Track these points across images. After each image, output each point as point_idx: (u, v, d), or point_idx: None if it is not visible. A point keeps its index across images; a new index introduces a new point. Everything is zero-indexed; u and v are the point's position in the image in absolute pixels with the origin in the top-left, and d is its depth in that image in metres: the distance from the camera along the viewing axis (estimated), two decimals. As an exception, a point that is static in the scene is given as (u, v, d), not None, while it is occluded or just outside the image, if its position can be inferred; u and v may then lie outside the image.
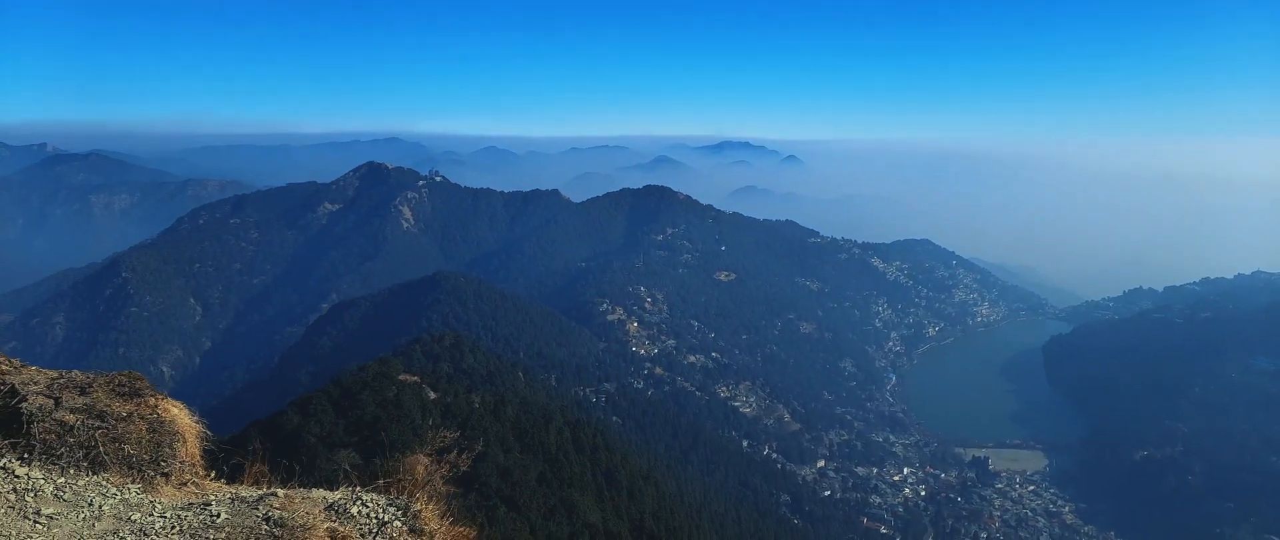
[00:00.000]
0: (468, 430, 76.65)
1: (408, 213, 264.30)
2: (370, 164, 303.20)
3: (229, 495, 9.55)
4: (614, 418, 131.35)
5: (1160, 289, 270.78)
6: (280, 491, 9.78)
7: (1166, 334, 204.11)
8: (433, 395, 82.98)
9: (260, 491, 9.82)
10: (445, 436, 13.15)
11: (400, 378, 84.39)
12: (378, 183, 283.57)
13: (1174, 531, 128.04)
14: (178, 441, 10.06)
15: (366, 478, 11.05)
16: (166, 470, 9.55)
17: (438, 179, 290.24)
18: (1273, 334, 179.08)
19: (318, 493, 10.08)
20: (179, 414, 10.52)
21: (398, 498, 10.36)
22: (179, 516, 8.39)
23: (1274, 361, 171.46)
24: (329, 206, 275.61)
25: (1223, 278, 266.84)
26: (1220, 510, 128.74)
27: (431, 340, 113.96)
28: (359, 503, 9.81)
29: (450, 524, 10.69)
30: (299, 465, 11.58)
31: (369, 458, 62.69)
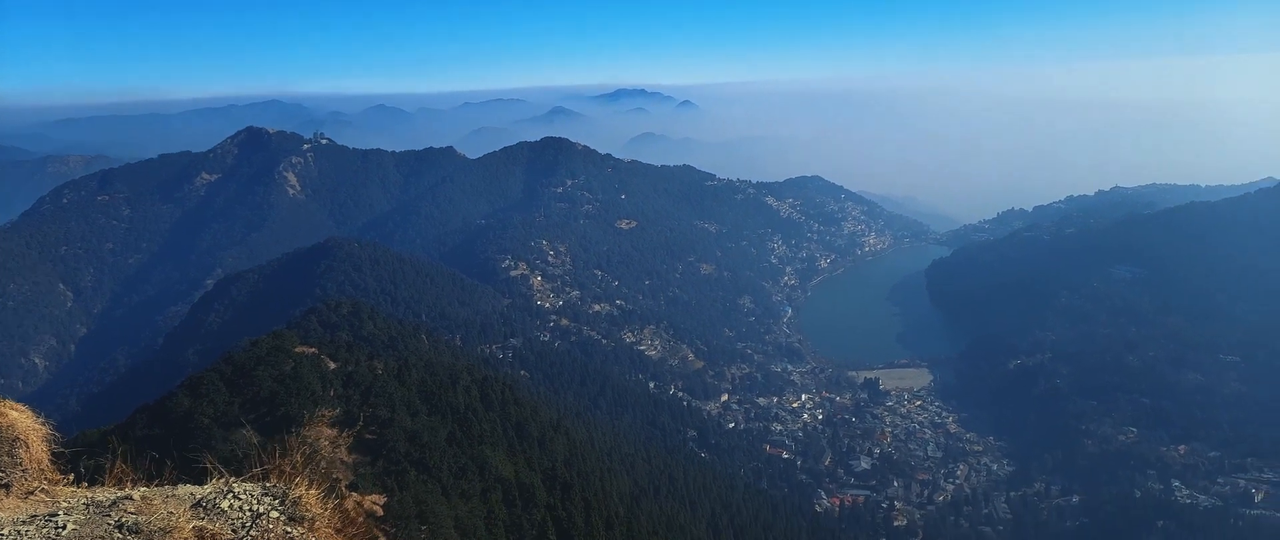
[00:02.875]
0: (372, 397, 75.61)
1: (293, 179, 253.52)
2: (249, 129, 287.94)
3: (83, 501, 8.84)
4: (522, 372, 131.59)
5: (1030, 208, 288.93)
6: (137, 493, 9.01)
7: (1035, 251, 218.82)
8: (332, 365, 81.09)
9: (116, 494, 9.09)
10: (341, 411, 13.06)
11: (296, 350, 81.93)
12: (258, 149, 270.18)
13: (1044, 430, 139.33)
14: (19, 447, 9.69)
15: (267, 455, 10.22)
16: (6, 481, 9.29)
17: (323, 141, 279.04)
18: (1128, 244, 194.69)
19: (184, 489, 9.46)
20: (18, 417, 10.04)
21: (275, 485, 9.65)
22: (19, 531, 8.07)
23: (1130, 269, 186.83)
24: (207, 177, 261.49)
25: (1085, 195, 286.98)
26: (1084, 408, 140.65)
27: (327, 309, 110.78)
28: (230, 496, 9.13)
29: (335, 504, 9.98)
30: (191, 449, 11.23)
31: (269, 435, 61.19)
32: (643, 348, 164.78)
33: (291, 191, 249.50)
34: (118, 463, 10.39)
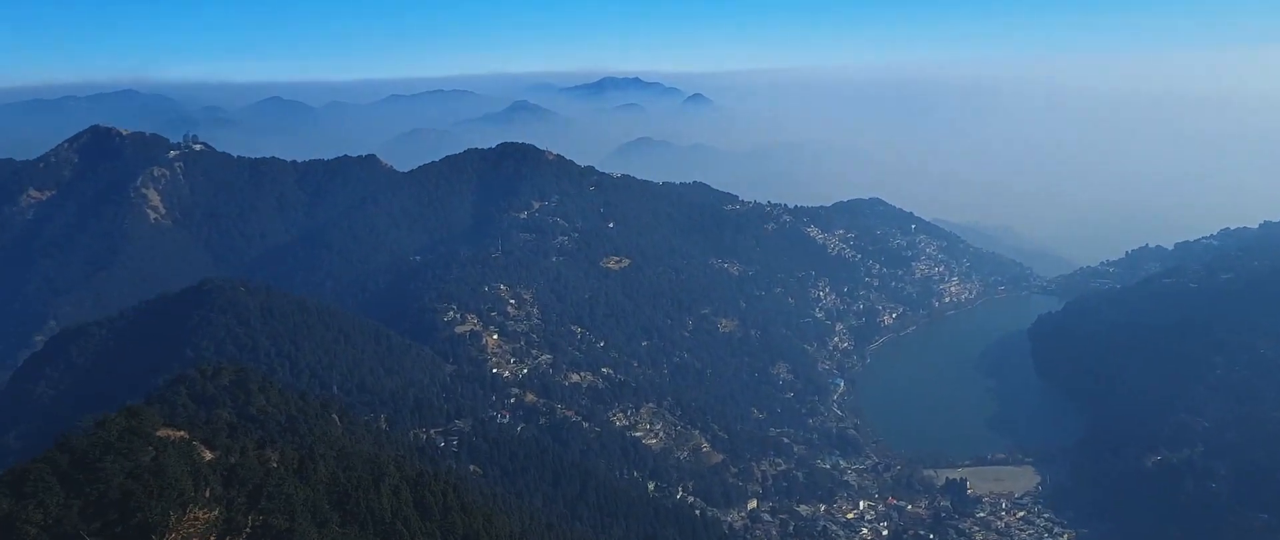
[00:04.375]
0: (264, 501, 75.25)
1: (155, 198, 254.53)
2: (94, 129, 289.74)
3: None
4: (472, 466, 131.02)
5: (1170, 246, 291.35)
6: None
7: (1179, 304, 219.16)
8: (209, 455, 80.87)
9: None
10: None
11: (159, 434, 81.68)
12: (107, 156, 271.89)
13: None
14: None
15: None
16: None
17: (197, 146, 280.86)
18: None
19: None
20: None
21: None
22: None
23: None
24: (36, 195, 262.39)
25: (1246, 228, 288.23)
26: (1252, 522, 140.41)
27: (202, 378, 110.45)
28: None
29: None
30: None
31: (120, 551, 60.71)
32: (639, 434, 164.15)
33: (153, 215, 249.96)
34: None
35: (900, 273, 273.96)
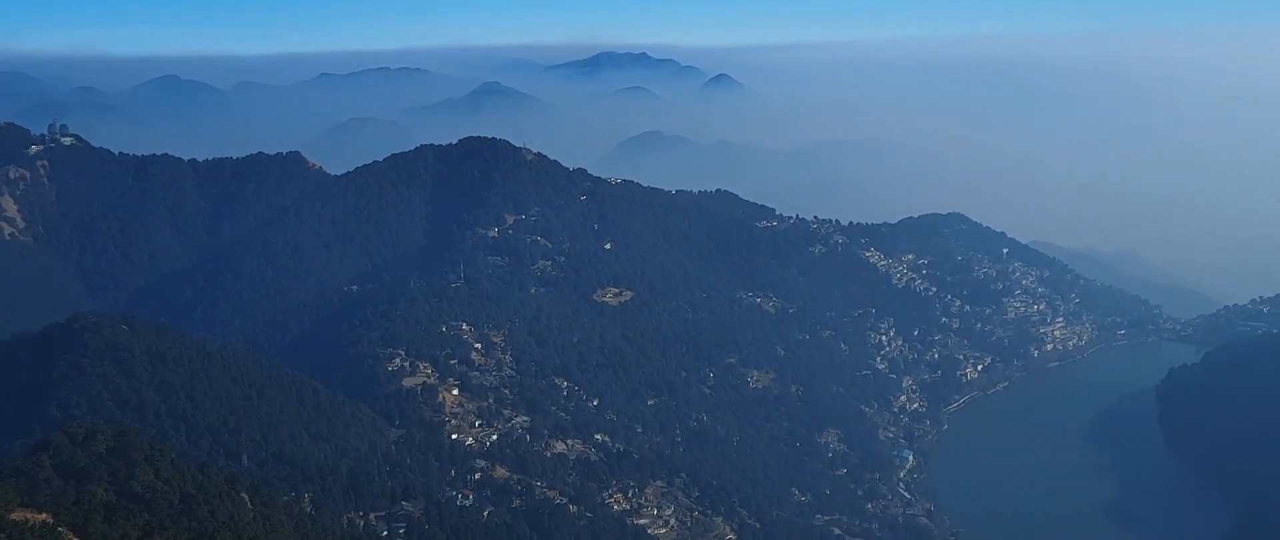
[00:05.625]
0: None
1: (10, 206, 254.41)
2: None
3: None
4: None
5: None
6: None
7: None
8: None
9: None
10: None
11: (14, 517, 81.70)
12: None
13: None
14: None
15: None
16: None
17: (66, 140, 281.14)
18: None
19: None
20: None
21: None
22: None
23: None
24: None
25: None
26: None
27: (71, 443, 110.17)
28: None
29: None
30: None
31: None
32: (643, 522, 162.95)
33: (8, 229, 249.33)
34: None
35: (988, 311, 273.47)
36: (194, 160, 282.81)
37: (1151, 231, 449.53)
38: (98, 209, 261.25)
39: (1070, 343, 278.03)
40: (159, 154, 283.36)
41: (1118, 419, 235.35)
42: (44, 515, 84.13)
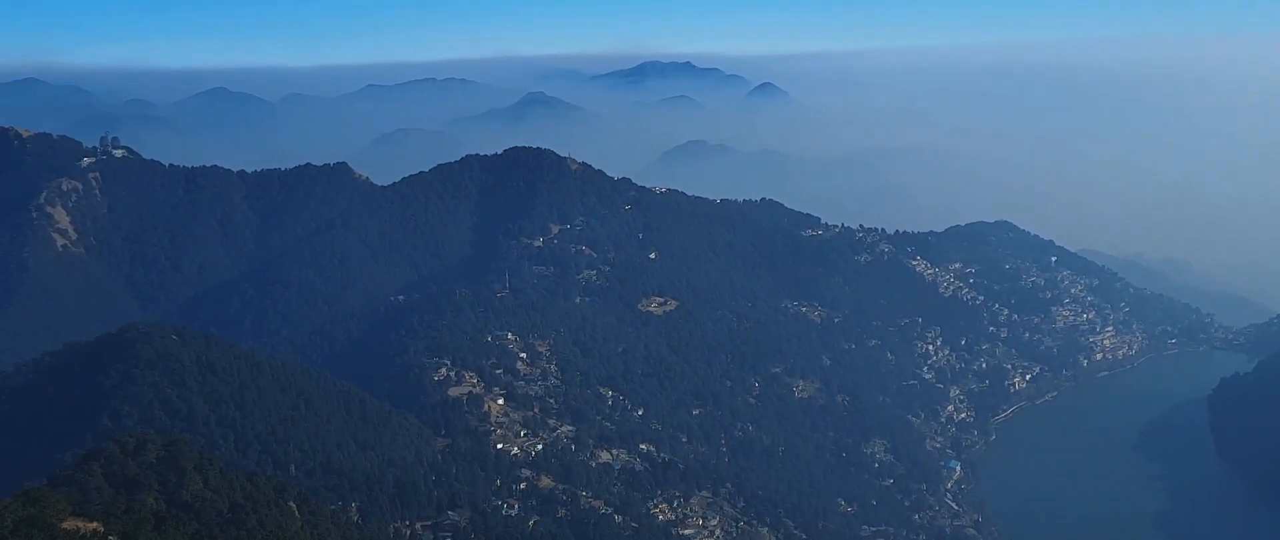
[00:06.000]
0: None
1: (63, 218, 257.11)
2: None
3: None
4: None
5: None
6: None
7: None
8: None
9: None
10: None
11: (66, 525, 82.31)
12: (1, 165, 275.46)
13: None
14: None
15: None
16: None
17: (118, 152, 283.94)
18: None
19: None
20: None
21: None
22: None
23: None
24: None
25: None
26: None
27: (122, 453, 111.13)
28: None
29: None
30: None
31: None
32: (688, 532, 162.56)
33: (61, 240, 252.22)
34: None
35: (1036, 320, 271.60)
36: (242, 171, 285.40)
37: (1203, 238, 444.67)
38: (148, 220, 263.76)
39: (1120, 352, 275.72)
40: (208, 165, 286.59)
41: (1168, 429, 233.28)
42: (95, 524, 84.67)
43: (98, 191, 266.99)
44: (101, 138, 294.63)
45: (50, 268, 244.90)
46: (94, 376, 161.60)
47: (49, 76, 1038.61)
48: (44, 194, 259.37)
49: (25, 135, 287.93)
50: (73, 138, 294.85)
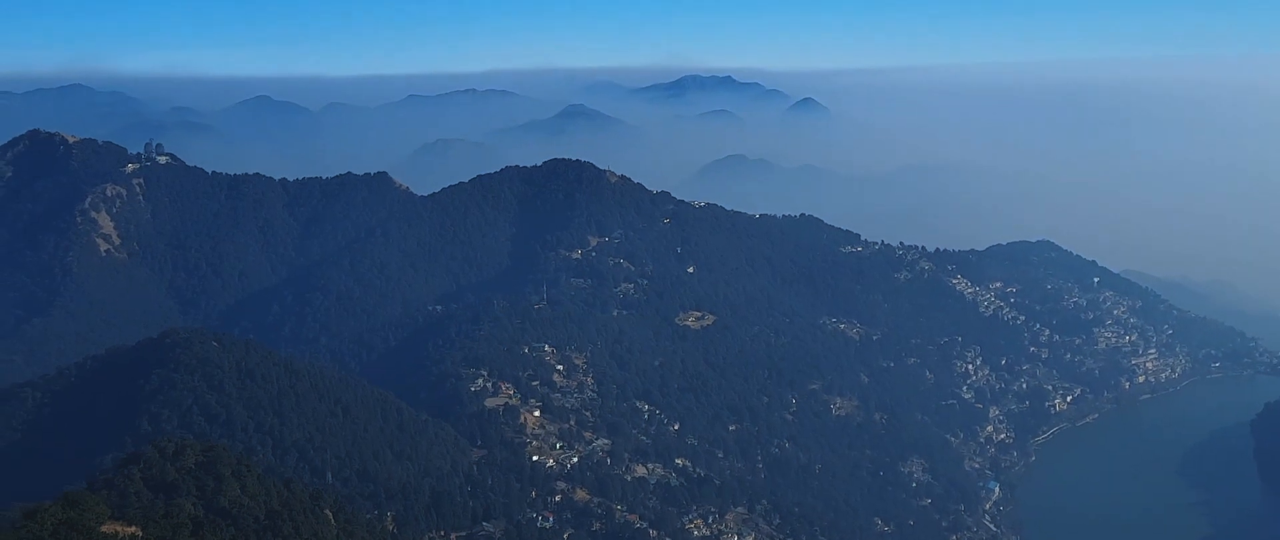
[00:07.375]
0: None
1: (107, 223, 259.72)
2: (32, 135, 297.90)
3: None
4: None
5: None
6: None
7: None
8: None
9: None
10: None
11: (105, 529, 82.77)
12: (47, 170, 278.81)
13: None
14: None
15: None
16: None
17: (162, 158, 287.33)
18: None
19: None
20: None
21: None
22: None
23: None
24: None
25: None
26: None
27: (160, 457, 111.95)
28: None
29: None
30: None
31: None
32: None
33: (104, 245, 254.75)
34: None
35: (1078, 341, 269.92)
36: (284, 179, 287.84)
37: (1248, 261, 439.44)
38: (190, 226, 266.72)
39: (1163, 374, 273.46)
40: (250, 173, 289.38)
41: (1211, 454, 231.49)
42: (133, 528, 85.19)
43: (141, 197, 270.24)
44: (146, 144, 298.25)
45: (93, 272, 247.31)
46: (134, 381, 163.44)
47: (95, 83, 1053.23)
48: (89, 199, 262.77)
49: (71, 141, 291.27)
50: (118, 144, 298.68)
